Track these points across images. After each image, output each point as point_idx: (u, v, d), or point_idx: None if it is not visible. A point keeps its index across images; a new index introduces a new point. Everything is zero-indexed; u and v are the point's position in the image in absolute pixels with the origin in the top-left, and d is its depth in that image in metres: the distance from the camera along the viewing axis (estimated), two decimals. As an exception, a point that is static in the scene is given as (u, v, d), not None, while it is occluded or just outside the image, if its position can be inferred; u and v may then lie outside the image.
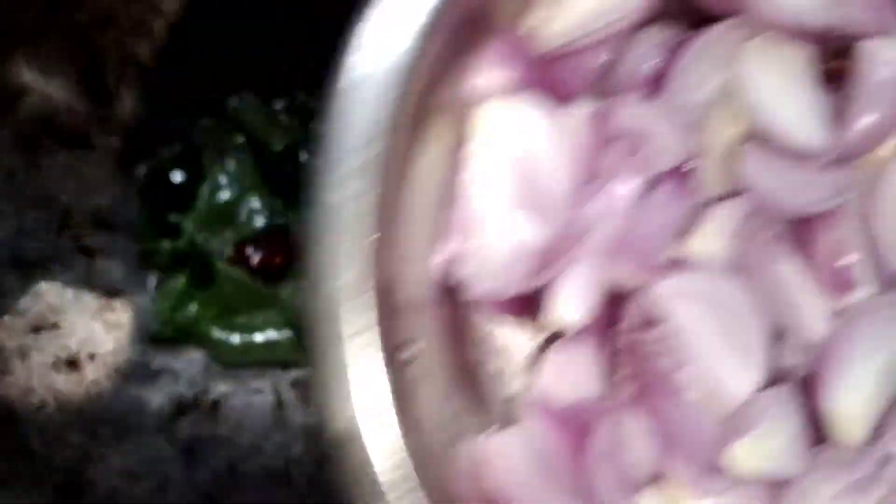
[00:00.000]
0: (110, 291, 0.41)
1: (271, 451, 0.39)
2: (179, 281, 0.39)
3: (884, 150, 0.27)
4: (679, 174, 0.26)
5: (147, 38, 0.42)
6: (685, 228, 0.27)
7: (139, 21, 0.42)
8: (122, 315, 0.41)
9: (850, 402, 0.25)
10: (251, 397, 0.40)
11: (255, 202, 0.39)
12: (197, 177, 0.40)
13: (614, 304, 0.27)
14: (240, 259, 0.39)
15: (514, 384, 0.30)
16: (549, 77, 0.28)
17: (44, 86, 0.39)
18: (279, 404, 0.41)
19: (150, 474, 0.36)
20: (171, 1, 0.43)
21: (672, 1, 0.28)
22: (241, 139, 0.40)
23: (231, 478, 0.37)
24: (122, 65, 0.42)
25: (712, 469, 0.26)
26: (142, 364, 0.40)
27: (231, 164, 0.40)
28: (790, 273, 0.27)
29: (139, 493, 0.35)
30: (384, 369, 0.23)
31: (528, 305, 0.27)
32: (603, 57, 0.28)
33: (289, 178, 0.39)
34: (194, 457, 0.37)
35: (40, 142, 0.39)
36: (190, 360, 0.39)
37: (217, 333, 0.38)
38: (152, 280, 0.40)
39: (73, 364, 0.38)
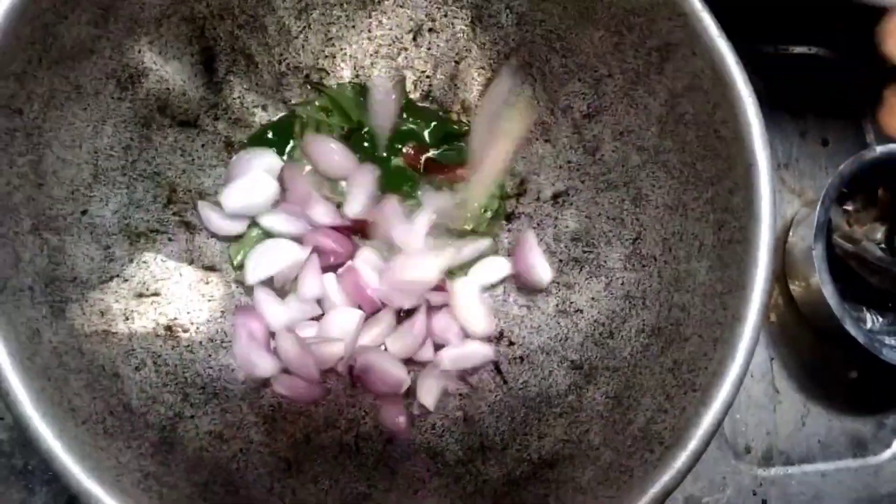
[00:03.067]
0: (207, 266, 0.40)
1: (344, 425, 0.39)
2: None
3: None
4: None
5: (259, 33, 0.41)
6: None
7: (252, 16, 0.41)
8: (216, 289, 0.40)
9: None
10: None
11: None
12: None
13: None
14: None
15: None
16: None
17: (162, 69, 0.40)
18: (352, 384, 0.41)
19: (234, 438, 0.35)
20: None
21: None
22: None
23: (307, 446, 0.37)
24: (233, 56, 0.41)
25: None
26: (232, 335, 0.39)
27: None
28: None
29: (224, 455, 0.34)
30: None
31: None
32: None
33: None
34: (274, 426, 0.37)
35: (155, 120, 0.40)
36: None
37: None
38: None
39: (170, 330, 0.38)
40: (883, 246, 0.53)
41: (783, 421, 0.52)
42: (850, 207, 0.54)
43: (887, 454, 0.53)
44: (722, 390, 0.35)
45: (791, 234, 0.54)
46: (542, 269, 0.45)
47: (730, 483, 0.51)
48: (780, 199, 0.56)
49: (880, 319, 0.54)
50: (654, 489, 0.34)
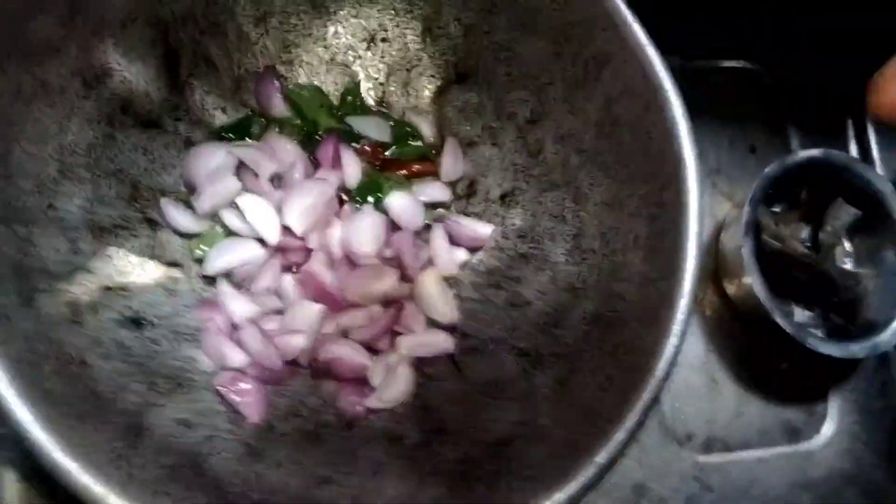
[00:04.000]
0: (170, 262, 0.43)
1: (306, 414, 0.42)
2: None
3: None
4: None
5: (219, 38, 0.45)
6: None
7: (213, 22, 0.44)
8: (179, 284, 0.43)
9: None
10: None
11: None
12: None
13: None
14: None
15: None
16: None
17: (126, 70, 0.43)
18: (313, 375, 0.44)
19: (200, 424, 0.38)
20: (242, 5, 0.45)
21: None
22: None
23: (271, 434, 0.40)
24: (195, 60, 0.45)
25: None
26: (196, 329, 0.42)
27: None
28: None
29: (191, 440, 0.37)
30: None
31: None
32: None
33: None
34: (239, 413, 0.40)
35: (118, 119, 0.43)
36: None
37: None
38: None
39: (135, 322, 0.40)
40: (808, 244, 0.59)
41: (721, 410, 0.57)
42: (777, 209, 0.60)
43: (818, 440, 0.58)
44: (656, 368, 0.40)
45: (722, 234, 0.59)
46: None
47: (674, 469, 0.55)
48: (713, 202, 0.61)
49: (807, 313, 0.59)
50: (599, 460, 0.38)
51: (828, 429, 0.59)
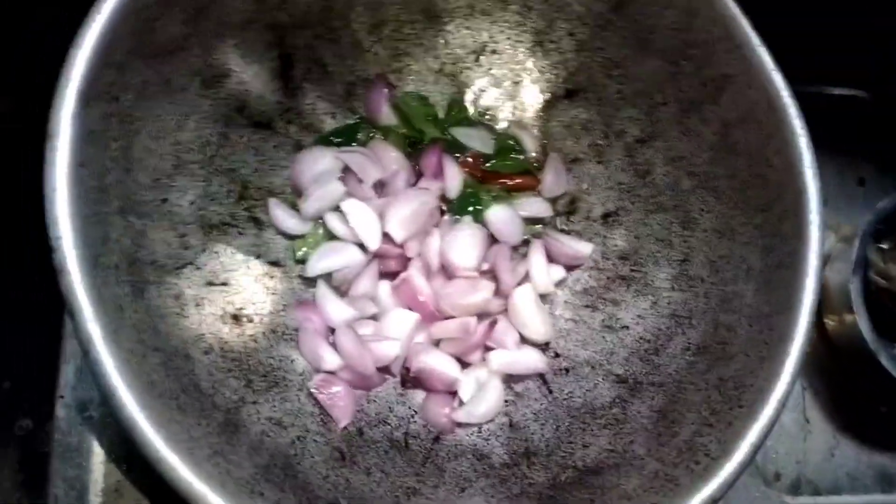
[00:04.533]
0: (272, 261, 0.42)
1: (394, 422, 0.40)
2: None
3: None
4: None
5: (334, 45, 0.44)
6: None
7: (329, 28, 0.44)
8: (279, 283, 0.42)
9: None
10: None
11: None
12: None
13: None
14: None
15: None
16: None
17: (244, 72, 0.42)
18: (402, 383, 0.42)
19: (292, 425, 0.37)
20: (358, 12, 0.44)
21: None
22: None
23: (360, 438, 0.38)
24: (309, 65, 0.44)
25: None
26: (293, 328, 0.41)
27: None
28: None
29: (283, 441, 0.36)
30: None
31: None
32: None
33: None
34: (330, 416, 0.38)
35: (233, 119, 0.43)
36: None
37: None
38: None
39: (236, 318, 0.40)
40: (916, 285, 0.55)
41: (813, 451, 0.54)
42: (885, 246, 0.56)
43: (914, 491, 0.54)
44: (768, 406, 0.37)
45: (827, 268, 0.56)
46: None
47: (759, 509, 0.52)
48: (818, 234, 0.58)
49: (912, 356, 0.55)
50: (701, 496, 0.35)
51: (927, 481, 0.54)
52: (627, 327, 0.46)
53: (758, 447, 0.36)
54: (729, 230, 0.43)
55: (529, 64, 0.49)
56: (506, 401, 0.45)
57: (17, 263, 0.46)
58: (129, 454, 0.45)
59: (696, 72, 0.44)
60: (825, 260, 0.57)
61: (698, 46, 0.43)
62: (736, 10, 0.42)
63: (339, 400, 0.42)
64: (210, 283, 0.42)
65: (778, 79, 0.41)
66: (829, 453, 0.54)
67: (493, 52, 0.49)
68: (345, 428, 0.42)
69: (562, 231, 0.49)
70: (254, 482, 0.35)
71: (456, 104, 0.49)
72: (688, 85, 0.44)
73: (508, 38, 0.49)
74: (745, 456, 0.36)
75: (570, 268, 0.48)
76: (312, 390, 0.42)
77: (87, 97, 0.35)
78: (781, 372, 0.37)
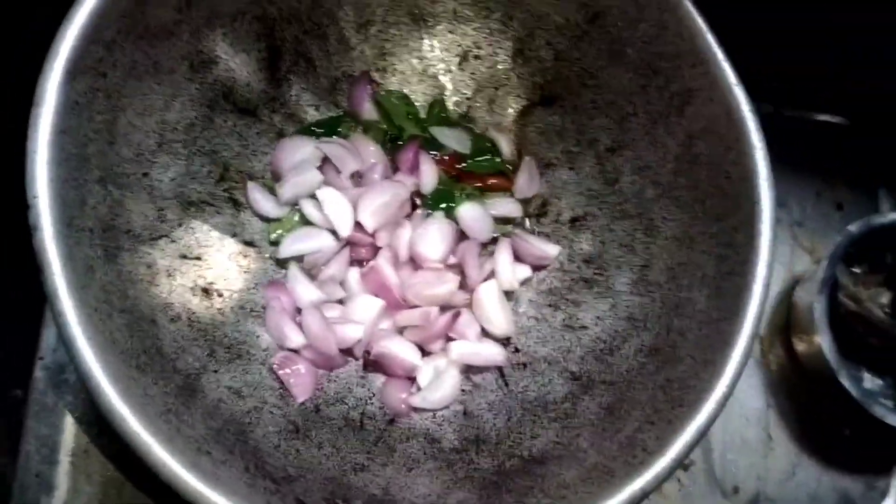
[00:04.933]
0: (247, 241, 0.44)
1: (352, 402, 0.42)
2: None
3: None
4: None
5: (321, 40, 0.46)
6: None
7: (317, 24, 0.46)
8: (252, 262, 0.44)
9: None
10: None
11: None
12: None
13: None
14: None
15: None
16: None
17: (231, 60, 0.45)
18: (364, 366, 0.44)
19: (251, 396, 0.39)
20: (346, 11, 0.46)
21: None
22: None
23: (316, 415, 0.40)
24: (296, 58, 0.46)
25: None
26: (262, 306, 0.43)
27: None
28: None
29: (239, 409, 0.37)
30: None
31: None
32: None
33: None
34: (289, 392, 0.40)
35: (218, 104, 0.45)
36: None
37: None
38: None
39: (206, 292, 0.41)
40: (888, 310, 0.55)
41: (774, 468, 0.54)
42: (858, 270, 0.56)
43: (875, 516, 0.54)
44: (706, 406, 0.38)
45: (797, 289, 0.56)
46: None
47: (714, 521, 0.52)
48: (792, 255, 0.58)
49: (879, 381, 0.55)
50: (633, 488, 0.36)
51: (888, 506, 0.54)
52: (586, 327, 0.47)
53: (692, 445, 0.37)
54: (688, 238, 0.44)
55: (510, 70, 0.51)
56: (463, 390, 0.46)
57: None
58: (99, 418, 0.47)
59: (664, 85, 0.45)
60: (797, 281, 0.58)
61: (667, 60, 0.45)
62: (702, 26, 0.43)
63: (300, 377, 0.43)
64: (184, 256, 0.44)
65: (738, 93, 0.42)
66: (791, 472, 0.54)
67: (476, 57, 0.51)
68: (302, 404, 0.43)
69: (531, 232, 0.50)
70: (203, 441, 0.36)
71: (437, 105, 0.51)
72: (657, 97, 0.46)
73: (491, 45, 0.51)
74: (678, 453, 0.37)
75: (536, 268, 0.49)
76: (274, 366, 0.43)
77: (74, 71, 0.38)
78: (722, 374, 0.38)
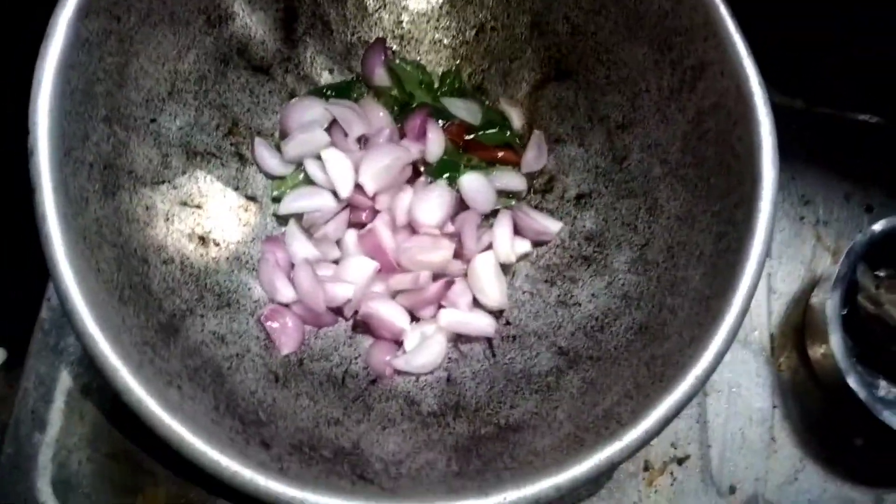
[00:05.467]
0: (249, 196, 0.44)
1: (336, 360, 0.41)
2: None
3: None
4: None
5: (339, 4, 0.46)
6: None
7: (337, -12, 0.46)
8: (252, 217, 0.44)
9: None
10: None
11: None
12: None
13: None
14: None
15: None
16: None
17: (248, 17, 0.45)
18: (354, 327, 0.43)
19: (234, 343, 0.39)
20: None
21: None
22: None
23: (298, 368, 0.40)
24: (313, 20, 0.46)
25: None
26: (256, 260, 0.43)
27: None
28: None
29: (221, 353, 0.37)
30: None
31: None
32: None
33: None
34: (274, 344, 0.40)
35: (232, 60, 0.45)
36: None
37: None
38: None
39: (202, 240, 0.42)
40: (909, 317, 0.52)
41: (775, 471, 0.51)
42: (882, 273, 0.53)
43: (881, 532, 0.51)
44: (686, 381, 0.36)
45: (816, 290, 0.54)
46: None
47: (708, 520, 0.50)
48: (813, 255, 0.56)
49: (894, 391, 0.52)
50: (599, 457, 0.35)
51: (897, 523, 0.51)
52: (580, 304, 0.45)
53: (667, 420, 0.35)
54: (690, 217, 0.43)
55: (525, 43, 0.50)
56: (449, 358, 0.45)
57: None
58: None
59: (678, 60, 0.44)
60: (815, 282, 0.55)
61: (681, 34, 0.43)
62: (717, -1, 0.42)
63: (287, 329, 0.43)
64: (184, 203, 0.44)
65: (749, 65, 0.40)
66: (793, 476, 0.51)
67: (493, 28, 0.50)
68: (286, 356, 0.43)
69: (535, 208, 0.49)
70: (175, 376, 0.36)
71: (451, 75, 0.51)
72: (670, 73, 0.44)
73: (508, 17, 0.50)
74: (652, 425, 0.35)
75: (536, 243, 0.48)
76: (262, 317, 0.43)
77: (87, 9, 0.38)
78: (705, 351, 0.36)
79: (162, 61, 0.44)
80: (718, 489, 0.50)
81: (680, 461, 0.50)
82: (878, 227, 0.50)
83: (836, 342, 0.48)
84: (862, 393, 0.47)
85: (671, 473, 0.50)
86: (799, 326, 0.54)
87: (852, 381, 0.47)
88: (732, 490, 0.51)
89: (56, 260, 0.34)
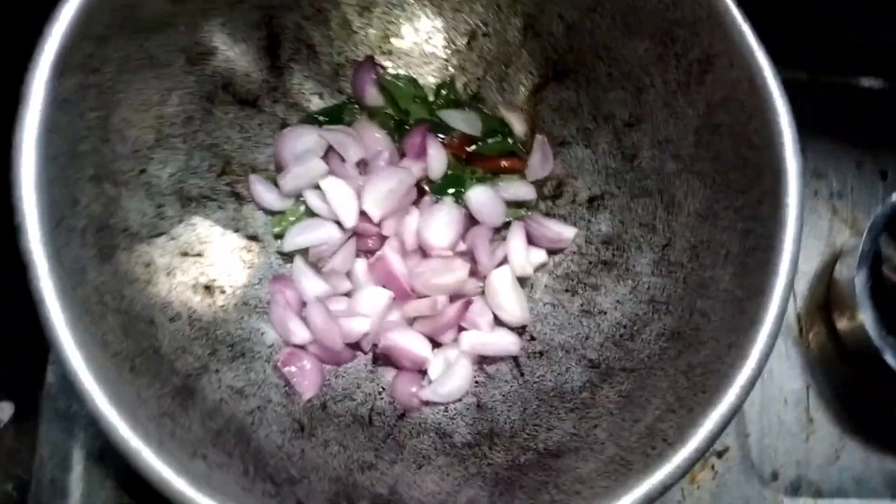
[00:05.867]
0: (251, 235, 0.42)
1: (360, 398, 0.39)
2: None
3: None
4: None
5: (322, 26, 0.44)
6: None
7: (317, 10, 0.43)
8: (256, 257, 0.42)
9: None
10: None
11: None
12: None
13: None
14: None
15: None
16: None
17: (230, 50, 0.42)
18: (374, 360, 0.42)
19: (254, 395, 0.37)
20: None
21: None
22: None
23: (322, 412, 0.38)
24: (297, 45, 0.44)
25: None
26: (267, 302, 0.41)
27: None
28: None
29: (242, 409, 0.36)
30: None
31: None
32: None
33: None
34: (294, 389, 0.38)
35: (218, 96, 0.43)
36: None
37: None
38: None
39: (208, 289, 0.40)
40: (936, 284, 0.50)
41: (815, 451, 0.50)
42: (904, 242, 0.52)
43: (927, 501, 0.50)
44: (730, 393, 0.34)
45: (838, 264, 0.52)
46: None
47: (753, 510, 0.49)
48: (831, 228, 0.54)
49: (929, 359, 0.51)
50: (652, 482, 0.33)
51: (942, 490, 0.50)
52: (605, 312, 0.43)
53: (716, 435, 0.34)
54: (711, 214, 0.41)
55: (520, 47, 0.48)
56: (476, 382, 0.43)
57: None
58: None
59: (682, 53, 0.42)
60: (837, 255, 0.53)
61: (684, 26, 0.41)
62: (719, -13, 0.39)
63: (305, 373, 0.41)
64: (184, 254, 0.42)
65: (760, 57, 0.38)
66: (835, 455, 0.50)
67: (485, 34, 0.48)
68: (308, 401, 0.41)
69: (546, 215, 0.47)
70: (199, 444, 0.34)
71: (445, 86, 0.48)
72: (675, 66, 0.42)
73: (500, 21, 0.47)
74: (700, 443, 0.34)
75: (552, 252, 0.46)
76: (279, 363, 0.41)
77: (62, 68, 0.36)
78: (747, 358, 0.35)
79: (146, 108, 0.41)
80: (761, 477, 0.49)
81: (720, 454, 0.49)
82: (896, 196, 0.49)
83: (868, 320, 0.46)
84: (900, 369, 0.46)
85: (712, 467, 0.49)
86: (824, 303, 0.53)
87: (890, 358, 0.46)
88: (775, 476, 0.49)
89: (61, 343, 0.32)
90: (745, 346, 0.35)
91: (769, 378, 0.51)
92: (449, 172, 0.47)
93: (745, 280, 0.37)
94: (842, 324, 0.51)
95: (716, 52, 0.40)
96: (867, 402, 0.51)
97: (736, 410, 0.34)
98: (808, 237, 0.54)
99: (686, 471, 0.34)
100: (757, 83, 0.38)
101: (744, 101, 0.39)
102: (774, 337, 0.35)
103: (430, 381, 0.43)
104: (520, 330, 0.45)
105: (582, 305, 0.44)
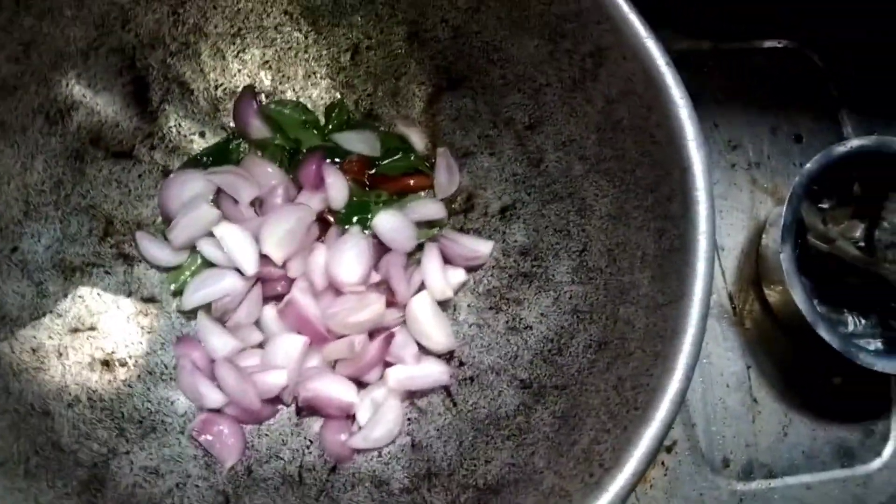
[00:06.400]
0: (146, 298, 0.40)
1: (287, 456, 0.38)
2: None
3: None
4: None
5: (192, 60, 0.41)
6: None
7: (184, 43, 0.41)
8: (155, 320, 0.40)
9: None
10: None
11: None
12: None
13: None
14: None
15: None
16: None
17: (92, 101, 0.40)
18: (298, 412, 0.40)
19: (171, 472, 0.35)
20: (214, 23, 0.42)
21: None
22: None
23: (248, 478, 0.36)
24: (167, 84, 0.41)
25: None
26: (172, 367, 0.39)
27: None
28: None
29: (158, 491, 0.34)
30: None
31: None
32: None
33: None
34: (214, 457, 0.36)
35: (88, 153, 0.40)
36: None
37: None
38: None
39: (106, 364, 0.38)
40: (861, 244, 0.51)
41: (763, 432, 0.51)
42: (825, 205, 0.52)
43: (877, 463, 0.51)
44: (660, 409, 0.34)
45: (763, 236, 0.52)
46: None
47: (708, 499, 0.49)
48: (752, 200, 0.54)
49: (862, 321, 0.51)
50: (590, 516, 0.33)
51: (889, 450, 0.51)
52: (531, 327, 0.43)
53: (652, 454, 0.33)
54: (623, 215, 0.40)
55: (407, 57, 0.46)
56: (408, 419, 0.42)
57: None
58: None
59: (573, 48, 0.41)
60: (762, 227, 0.54)
61: (571, 21, 0.40)
62: (601, -22, 0.38)
63: (224, 439, 0.40)
64: (75, 330, 0.40)
65: (652, 46, 0.37)
66: (782, 433, 0.51)
67: (368, 48, 0.46)
68: (231, 468, 0.40)
69: (460, 231, 0.46)
70: (113, 543, 0.33)
71: (336, 107, 0.47)
72: (567, 63, 0.41)
73: (382, 32, 0.46)
74: (636, 466, 0.33)
75: (471, 269, 0.45)
76: (192, 433, 0.40)
77: None
78: (674, 371, 0.34)
79: (6, 180, 0.38)
80: (712, 466, 0.49)
81: (668, 449, 0.49)
82: (811, 164, 0.49)
83: (799, 295, 0.47)
84: (835, 342, 0.46)
85: (662, 464, 0.49)
86: (755, 278, 0.53)
87: (823, 332, 0.46)
88: (726, 463, 0.50)
89: (-66, 464, 0.30)
90: (670, 356, 0.35)
91: (708, 363, 0.51)
92: (353, 199, 0.45)
93: (664, 284, 0.37)
94: (773, 298, 0.52)
95: (606, 44, 0.39)
96: (807, 375, 0.51)
97: (669, 426, 0.34)
98: (731, 210, 0.54)
99: (624, 497, 0.33)
100: (652, 75, 0.38)
101: (641, 94, 0.38)
102: (698, 347, 0.35)
103: (359, 427, 0.41)
104: (447, 356, 0.44)
105: (507, 322, 0.44)
